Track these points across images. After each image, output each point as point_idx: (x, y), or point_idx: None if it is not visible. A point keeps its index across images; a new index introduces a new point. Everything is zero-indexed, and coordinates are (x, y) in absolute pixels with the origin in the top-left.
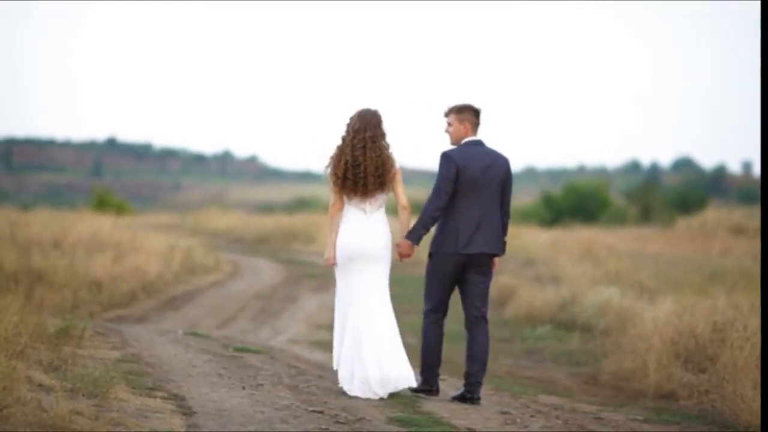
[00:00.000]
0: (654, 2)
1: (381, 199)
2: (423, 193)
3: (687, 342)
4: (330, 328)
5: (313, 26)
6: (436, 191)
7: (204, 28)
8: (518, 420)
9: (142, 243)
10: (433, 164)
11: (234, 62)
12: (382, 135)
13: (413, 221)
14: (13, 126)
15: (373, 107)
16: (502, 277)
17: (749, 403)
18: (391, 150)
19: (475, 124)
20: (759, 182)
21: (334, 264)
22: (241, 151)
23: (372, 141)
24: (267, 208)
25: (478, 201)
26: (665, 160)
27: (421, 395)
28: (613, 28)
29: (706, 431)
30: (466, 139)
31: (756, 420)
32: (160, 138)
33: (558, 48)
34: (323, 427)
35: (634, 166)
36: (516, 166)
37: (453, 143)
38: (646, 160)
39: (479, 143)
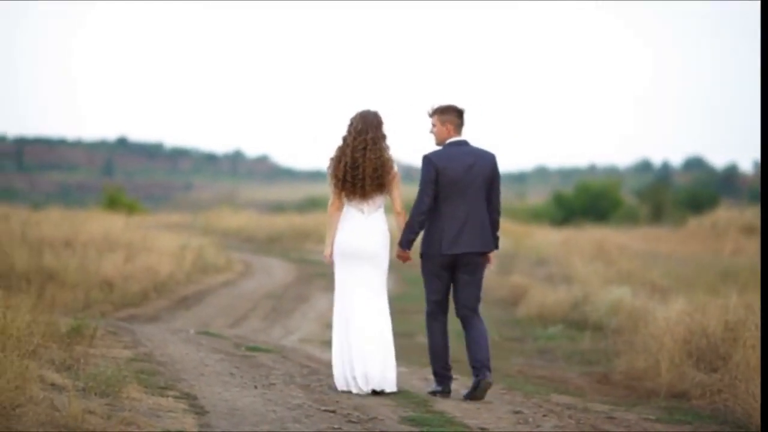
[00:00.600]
0: (667, 2)
1: (380, 200)
2: None
3: (699, 341)
4: None
5: (325, 25)
6: (419, 194)
7: (216, 27)
8: (530, 419)
9: (154, 242)
10: None
11: (245, 62)
12: (383, 137)
13: None
14: (25, 125)
15: (373, 109)
16: (514, 276)
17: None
18: (391, 152)
19: (458, 125)
20: None
21: (331, 262)
22: (252, 150)
23: (373, 143)
24: (278, 208)
25: (463, 201)
26: (676, 159)
27: (437, 396)
28: (625, 27)
29: (718, 431)
30: (450, 140)
31: None
32: (172, 137)
33: (570, 47)
34: (335, 426)
35: (645, 166)
36: (527, 165)
37: (437, 144)
38: (657, 160)
39: (463, 143)
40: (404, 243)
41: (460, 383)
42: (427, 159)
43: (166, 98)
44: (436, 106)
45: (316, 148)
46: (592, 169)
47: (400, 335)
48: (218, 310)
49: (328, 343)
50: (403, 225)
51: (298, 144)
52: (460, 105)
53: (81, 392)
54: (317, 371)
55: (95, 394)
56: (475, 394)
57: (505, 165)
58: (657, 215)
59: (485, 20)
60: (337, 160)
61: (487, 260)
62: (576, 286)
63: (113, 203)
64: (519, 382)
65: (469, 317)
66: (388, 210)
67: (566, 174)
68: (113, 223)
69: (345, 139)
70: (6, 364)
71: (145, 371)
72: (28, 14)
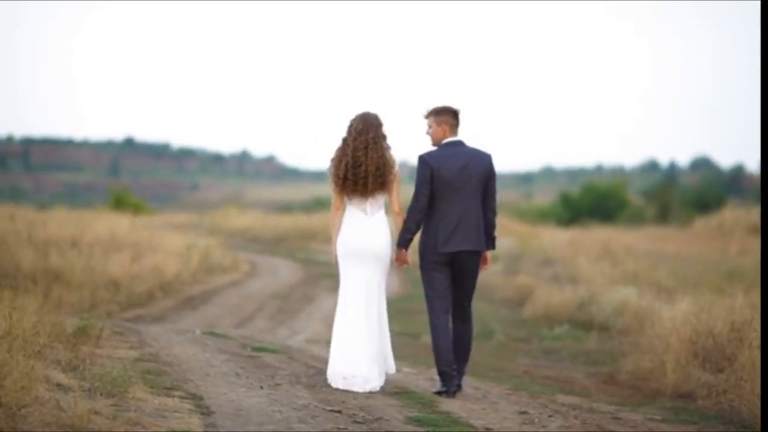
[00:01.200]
0: (674, 2)
1: (381, 199)
2: None
3: (705, 341)
4: None
5: (331, 26)
6: (414, 195)
7: (223, 28)
8: (536, 420)
9: (160, 242)
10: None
11: (252, 62)
12: (384, 136)
13: None
14: (31, 126)
15: (373, 111)
16: (520, 276)
17: None
18: (392, 152)
19: (454, 126)
20: None
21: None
22: (258, 150)
23: (374, 142)
24: (284, 208)
25: (457, 200)
26: (683, 159)
27: (442, 395)
28: (632, 27)
29: (724, 431)
30: (446, 140)
31: None
32: (178, 138)
33: (577, 47)
34: (341, 426)
35: (652, 166)
36: (534, 165)
37: (434, 145)
38: (663, 160)
39: (458, 143)
40: (401, 242)
41: (466, 383)
42: (422, 159)
43: (172, 99)
44: (431, 107)
45: (316, 148)
46: (598, 170)
47: (405, 336)
48: (224, 310)
49: None
50: (400, 225)
51: (304, 144)
52: (454, 106)
53: (87, 393)
54: (323, 372)
55: (101, 394)
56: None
57: (511, 165)
58: (663, 215)
59: (493, 21)
60: (338, 160)
61: (484, 260)
62: (582, 286)
63: (119, 203)
64: (525, 382)
65: (460, 317)
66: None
67: (573, 174)
68: (119, 224)
69: (345, 140)
70: (12, 365)
71: (151, 371)
72: (36, 14)
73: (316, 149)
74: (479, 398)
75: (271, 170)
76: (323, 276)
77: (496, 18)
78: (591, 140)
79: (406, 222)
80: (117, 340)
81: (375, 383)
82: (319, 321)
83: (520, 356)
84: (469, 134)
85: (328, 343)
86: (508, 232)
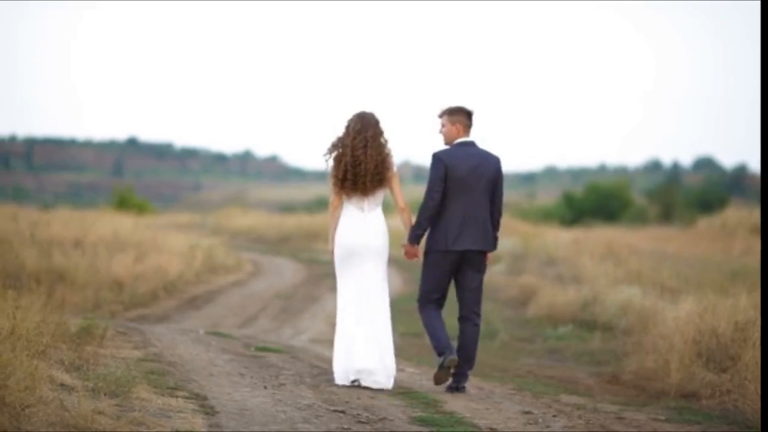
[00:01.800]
0: (677, 1)
1: (380, 197)
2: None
3: (709, 341)
4: None
5: (334, 26)
6: (428, 191)
7: (226, 28)
8: (540, 419)
9: (163, 242)
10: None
11: (255, 62)
12: (381, 134)
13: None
14: (34, 126)
15: (369, 110)
16: (524, 276)
17: None
18: (390, 150)
19: (467, 126)
20: None
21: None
22: (261, 150)
23: (373, 140)
24: (288, 208)
25: (467, 200)
26: (686, 159)
27: (445, 363)
28: (635, 27)
29: (727, 431)
30: (458, 140)
31: None
32: (181, 137)
33: (580, 47)
34: (345, 426)
35: (655, 166)
36: (537, 165)
37: (446, 144)
38: (667, 160)
39: (470, 144)
40: (412, 238)
41: (472, 384)
42: (437, 157)
43: (175, 99)
44: (445, 107)
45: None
46: (601, 169)
47: (408, 335)
48: (228, 310)
49: None
50: (407, 220)
51: (307, 144)
52: (469, 107)
53: (90, 392)
54: (327, 371)
55: (105, 394)
56: (451, 392)
57: (514, 165)
58: (667, 215)
59: (495, 21)
60: (337, 160)
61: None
62: (586, 286)
63: (123, 203)
64: (529, 382)
65: (467, 318)
66: (387, 208)
67: (576, 174)
68: (123, 223)
69: (343, 140)
70: (16, 365)
71: (155, 371)
72: (38, 14)
73: (322, 149)
74: (483, 398)
75: (274, 170)
76: (327, 276)
77: (499, 18)
78: (594, 140)
79: (418, 218)
80: (121, 340)
81: (379, 377)
82: (323, 321)
83: (524, 356)
84: (473, 134)
85: (331, 342)
86: (511, 232)
